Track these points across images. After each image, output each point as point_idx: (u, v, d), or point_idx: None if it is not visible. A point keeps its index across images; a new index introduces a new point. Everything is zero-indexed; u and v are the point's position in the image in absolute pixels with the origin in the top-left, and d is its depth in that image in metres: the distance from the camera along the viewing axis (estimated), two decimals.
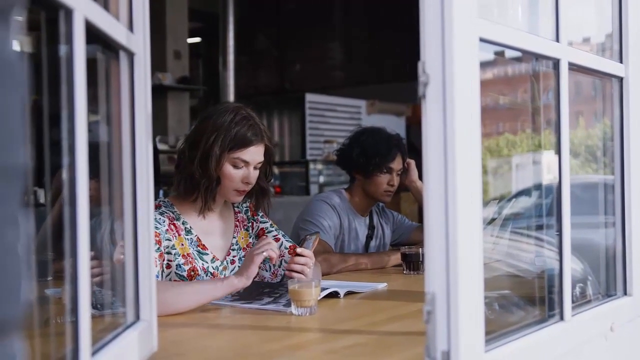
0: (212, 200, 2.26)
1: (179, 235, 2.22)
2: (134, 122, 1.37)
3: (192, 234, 2.26)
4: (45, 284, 1.52)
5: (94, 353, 1.08)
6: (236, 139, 2.18)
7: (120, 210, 1.37)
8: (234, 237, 2.38)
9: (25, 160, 0.59)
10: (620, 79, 1.83)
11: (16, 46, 0.61)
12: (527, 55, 1.63)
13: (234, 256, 2.35)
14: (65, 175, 1.01)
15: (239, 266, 2.32)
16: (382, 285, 2.38)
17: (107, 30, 1.17)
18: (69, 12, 0.99)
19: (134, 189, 1.37)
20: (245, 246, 2.39)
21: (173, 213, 2.25)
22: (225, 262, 2.31)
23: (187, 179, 2.23)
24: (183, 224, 2.26)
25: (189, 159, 2.21)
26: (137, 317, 1.38)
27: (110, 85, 1.35)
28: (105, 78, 1.33)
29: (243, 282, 1.99)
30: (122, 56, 1.34)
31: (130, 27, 1.36)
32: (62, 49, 1.01)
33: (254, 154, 2.23)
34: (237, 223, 2.41)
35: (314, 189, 7.21)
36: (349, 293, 2.21)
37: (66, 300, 1.25)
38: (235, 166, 2.22)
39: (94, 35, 1.11)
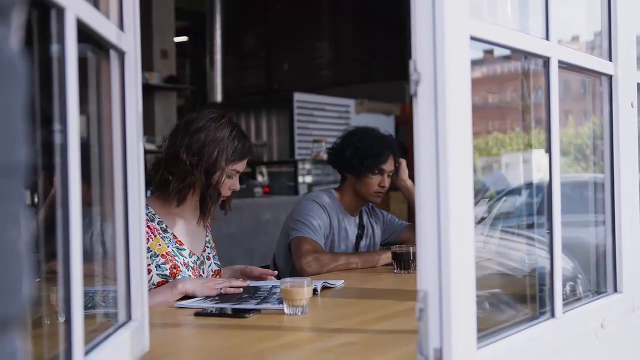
0: (213, 208, 2.35)
1: (155, 236, 2.24)
2: (125, 122, 1.36)
3: (168, 232, 2.30)
4: (35, 285, 1.50)
5: (86, 353, 1.08)
6: (236, 152, 2.30)
7: (111, 211, 1.37)
8: (207, 236, 2.47)
9: (26, 158, 0.59)
10: (610, 77, 1.83)
11: (16, 45, 0.61)
12: (516, 54, 1.64)
13: (208, 253, 2.45)
14: (57, 175, 1.00)
15: (214, 262, 2.45)
16: (339, 283, 2.39)
17: (98, 29, 1.17)
18: (60, 11, 0.99)
19: (125, 189, 1.36)
20: (212, 247, 2.50)
21: (147, 214, 2.26)
22: (202, 257, 2.39)
23: (188, 187, 2.27)
24: (158, 224, 2.30)
25: (190, 168, 2.25)
26: (129, 317, 1.37)
27: (101, 85, 1.34)
28: (96, 77, 1.32)
29: (186, 287, 2.12)
30: (113, 55, 1.33)
31: (121, 25, 1.35)
32: (54, 48, 1.00)
33: (245, 164, 2.37)
34: (208, 224, 2.50)
35: (302, 188, 7.19)
36: (324, 288, 2.26)
37: (53, 300, 1.24)
38: (230, 176, 2.32)
39: (84, 34, 1.10)
